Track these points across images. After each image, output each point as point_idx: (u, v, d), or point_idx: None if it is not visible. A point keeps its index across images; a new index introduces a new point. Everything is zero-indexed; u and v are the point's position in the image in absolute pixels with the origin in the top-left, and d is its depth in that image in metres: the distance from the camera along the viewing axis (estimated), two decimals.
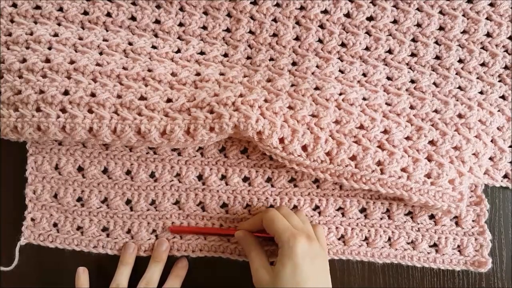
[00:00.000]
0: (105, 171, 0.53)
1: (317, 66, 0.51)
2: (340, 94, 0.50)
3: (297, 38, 0.52)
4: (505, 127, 0.51)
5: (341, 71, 0.51)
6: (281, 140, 0.47)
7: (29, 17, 0.51)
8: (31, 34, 0.50)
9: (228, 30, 0.52)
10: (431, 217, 0.53)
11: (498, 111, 0.51)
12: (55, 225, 0.53)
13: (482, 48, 0.51)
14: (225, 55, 0.52)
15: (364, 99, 0.50)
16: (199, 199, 0.53)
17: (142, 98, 0.48)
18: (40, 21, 0.51)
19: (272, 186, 0.53)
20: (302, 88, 0.49)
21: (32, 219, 0.53)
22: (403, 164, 0.47)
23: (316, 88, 0.50)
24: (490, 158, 0.52)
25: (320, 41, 0.52)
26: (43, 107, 0.47)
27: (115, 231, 0.53)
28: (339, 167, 0.47)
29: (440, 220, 0.52)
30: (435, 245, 0.52)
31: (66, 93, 0.48)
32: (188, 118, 0.47)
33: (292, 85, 0.50)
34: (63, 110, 0.47)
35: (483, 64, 0.51)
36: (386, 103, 0.50)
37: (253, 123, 0.46)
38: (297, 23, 0.52)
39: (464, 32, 0.51)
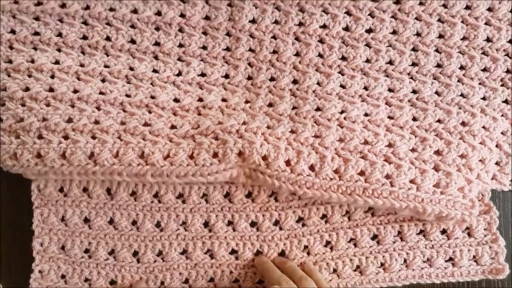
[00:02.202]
0: (111, 221, 0.57)
1: (318, 83, 0.56)
2: (342, 112, 0.55)
3: (297, 54, 0.57)
4: (509, 131, 0.56)
5: (343, 86, 0.56)
6: (288, 163, 0.52)
7: (28, 43, 0.55)
8: (32, 61, 0.54)
9: (228, 49, 0.57)
10: (443, 232, 0.57)
11: (502, 116, 0.56)
12: (63, 276, 0.58)
13: (483, 53, 0.56)
14: (226, 76, 0.57)
15: (366, 114, 0.55)
16: (206, 247, 0.57)
17: (146, 124, 0.54)
18: (40, 48, 0.55)
19: (281, 228, 0.57)
20: (303, 111, 0.55)
21: (40, 271, 0.57)
22: (411, 176, 0.52)
23: (318, 109, 0.55)
24: (496, 163, 0.56)
25: (320, 55, 0.57)
26: (45, 134, 0.52)
27: (123, 285, 0.57)
28: (350, 182, 0.52)
29: (452, 234, 0.57)
30: (451, 259, 0.57)
31: (69, 121, 0.53)
32: (193, 144, 0.52)
33: (294, 108, 0.55)
34: (66, 137, 0.52)
35: (484, 70, 0.56)
36: (389, 117, 0.55)
37: (257, 148, 0.51)
38: (297, 39, 0.57)
39: (464, 38, 0.56)
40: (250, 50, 0.57)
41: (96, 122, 0.53)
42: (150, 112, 0.54)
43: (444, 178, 0.53)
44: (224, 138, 0.52)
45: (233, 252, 0.58)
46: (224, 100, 0.56)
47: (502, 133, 0.56)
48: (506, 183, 0.56)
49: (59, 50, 0.56)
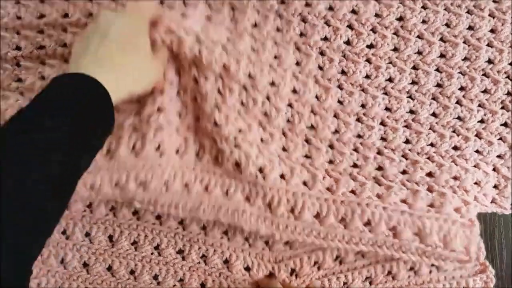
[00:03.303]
0: (109, 268, 0.59)
1: (316, 97, 0.59)
2: (335, 132, 0.58)
3: (297, 64, 0.59)
4: (507, 154, 0.58)
5: (340, 102, 0.59)
6: (283, 176, 0.55)
7: (35, 59, 0.58)
8: (43, 78, 0.57)
9: None
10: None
11: (500, 139, 0.58)
12: None
13: (484, 75, 0.58)
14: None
15: (359, 136, 0.58)
16: None
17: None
18: (47, 63, 0.59)
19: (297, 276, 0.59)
20: (297, 129, 0.58)
21: None
22: (402, 196, 0.55)
23: (311, 127, 0.58)
24: (495, 187, 0.58)
25: (320, 68, 0.59)
26: None
27: None
28: (341, 197, 0.55)
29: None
30: None
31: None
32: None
33: (288, 121, 0.58)
34: None
35: (485, 91, 0.58)
36: (382, 138, 0.58)
37: (254, 159, 0.54)
38: (297, 48, 0.59)
39: (465, 59, 0.58)
40: (252, 49, 0.58)
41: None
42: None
43: (439, 198, 0.55)
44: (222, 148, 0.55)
45: None
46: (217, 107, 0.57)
47: (499, 156, 0.58)
48: (507, 207, 0.58)
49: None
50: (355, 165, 0.57)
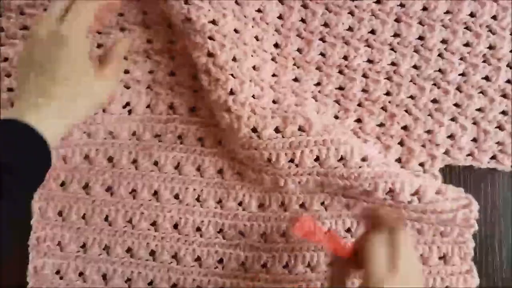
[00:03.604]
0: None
1: (298, 50, 0.60)
2: (318, 84, 0.60)
3: (280, 17, 0.60)
4: (487, 108, 0.59)
5: (322, 54, 0.60)
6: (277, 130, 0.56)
7: None
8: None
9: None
10: None
11: (480, 92, 0.59)
12: None
13: (466, 28, 0.59)
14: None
15: (340, 88, 0.60)
16: None
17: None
18: None
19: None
20: (282, 80, 0.59)
21: None
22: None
23: (295, 79, 0.60)
24: (474, 140, 0.60)
25: (302, 20, 0.60)
26: None
27: None
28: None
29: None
30: None
31: None
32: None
33: (274, 75, 0.60)
34: None
35: (466, 45, 0.59)
36: (363, 90, 0.59)
37: (245, 121, 0.55)
38: (281, 2, 0.60)
39: (447, 12, 0.59)
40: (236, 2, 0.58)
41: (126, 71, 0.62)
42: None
43: (406, 153, 0.58)
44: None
45: None
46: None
47: (480, 109, 0.59)
48: (484, 161, 0.60)
49: None
50: (336, 117, 0.59)
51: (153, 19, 0.60)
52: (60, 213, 0.61)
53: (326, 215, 0.59)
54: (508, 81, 0.59)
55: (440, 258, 0.59)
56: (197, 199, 0.60)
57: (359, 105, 0.59)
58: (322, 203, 0.60)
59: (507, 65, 0.59)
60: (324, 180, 0.56)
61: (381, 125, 0.59)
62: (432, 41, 0.59)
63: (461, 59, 0.59)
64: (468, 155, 0.60)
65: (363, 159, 0.55)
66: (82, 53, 0.49)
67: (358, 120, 0.59)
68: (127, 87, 0.61)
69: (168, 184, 0.60)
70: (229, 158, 0.60)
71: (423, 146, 0.59)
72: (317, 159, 0.56)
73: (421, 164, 0.59)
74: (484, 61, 0.59)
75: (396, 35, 0.59)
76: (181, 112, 0.61)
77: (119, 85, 0.60)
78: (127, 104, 0.61)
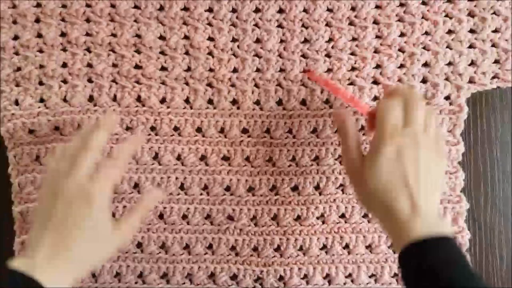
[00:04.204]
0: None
1: (305, 10, 0.61)
2: (329, 40, 0.61)
3: None
4: (502, 27, 0.60)
5: (330, 10, 0.61)
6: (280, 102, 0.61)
7: None
8: (14, 7, 0.61)
9: None
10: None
11: (493, 13, 0.60)
12: None
13: None
14: (210, 9, 0.61)
15: (353, 39, 0.61)
16: None
17: (137, 67, 0.61)
18: None
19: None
20: (291, 45, 0.61)
21: None
22: None
23: (305, 40, 0.61)
24: (496, 61, 0.61)
25: None
26: (45, 80, 0.61)
27: None
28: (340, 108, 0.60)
29: None
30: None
31: (64, 65, 0.61)
32: (187, 89, 0.61)
33: (281, 41, 0.61)
34: (64, 81, 0.61)
35: None
36: (377, 36, 0.61)
37: (250, 95, 0.60)
38: None
39: None
40: None
41: (89, 65, 0.61)
42: (138, 52, 0.61)
43: (431, 89, 0.60)
44: (218, 87, 0.60)
45: None
46: (211, 38, 0.61)
47: (495, 31, 0.60)
48: (509, 79, 0.61)
49: None
50: (353, 69, 0.60)
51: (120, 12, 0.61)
52: None
53: (320, 199, 0.61)
54: None
55: None
56: (181, 188, 0.61)
57: (376, 51, 0.61)
58: (316, 187, 0.61)
59: None
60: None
61: (401, 66, 0.60)
62: None
63: None
64: (493, 78, 0.61)
65: None
66: (105, 210, 0.48)
67: (377, 66, 0.61)
68: (90, 81, 0.62)
69: (148, 174, 0.61)
70: (213, 143, 0.61)
71: (447, 79, 0.60)
72: (314, 130, 0.60)
73: (447, 98, 0.60)
74: None
75: None
76: (150, 104, 0.61)
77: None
78: (91, 97, 0.61)
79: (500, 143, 0.63)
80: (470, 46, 0.60)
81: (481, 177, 0.62)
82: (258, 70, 0.61)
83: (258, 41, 0.61)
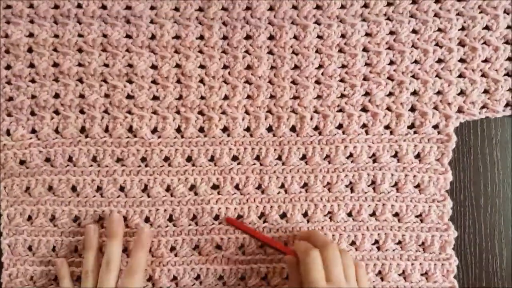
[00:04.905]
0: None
1: (295, 37, 0.63)
2: (319, 67, 0.62)
3: (271, 8, 0.63)
4: (493, 57, 0.62)
5: (320, 37, 0.63)
6: (270, 129, 0.62)
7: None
8: (6, 36, 0.63)
9: (200, 9, 0.63)
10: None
11: (483, 43, 0.62)
12: None
13: None
14: (201, 37, 0.63)
15: (343, 66, 0.62)
16: None
17: (129, 96, 0.63)
18: (12, 21, 0.62)
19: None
20: (281, 72, 0.62)
21: None
22: (386, 122, 0.62)
23: (295, 67, 0.63)
24: (486, 91, 0.62)
25: (294, 7, 0.62)
26: (37, 111, 0.62)
27: None
28: (329, 136, 0.62)
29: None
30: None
31: (56, 96, 0.63)
32: (179, 118, 0.62)
33: (272, 68, 0.63)
34: (56, 112, 0.63)
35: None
36: (366, 64, 0.62)
37: (240, 122, 0.61)
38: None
39: None
40: (223, 9, 0.63)
41: (82, 96, 0.63)
42: (130, 82, 0.63)
43: (419, 117, 0.62)
44: (209, 115, 0.62)
45: None
46: (202, 66, 0.63)
47: (485, 60, 0.62)
48: (499, 110, 0.62)
49: (32, 21, 0.63)
50: (342, 96, 0.62)
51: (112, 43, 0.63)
52: (30, 248, 0.63)
53: (308, 226, 0.62)
54: (508, 27, 0.61)
55: (422, 274, 0.62)
56: (169, 219, 0.63)
57: (365, 79, 0.62)
58: (305, 214, 0.63)
59: (504, 11, 0.61)
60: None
61: (390, 94, 0.62)
62: (427, 3, 0.61)
63: (457, 14, 0.62)
64: (482, 107, 0.62)
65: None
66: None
67: (366, 94, 0.62)
68: (82, 112, 0.63)
69: (136, 208, 0.62)
70: (203, 172, 0.62)
71: (435, 108, 0.62)
72: (303, 157, 0.62)
73: (435, 126, 0.62)
74: (481, 12, 0.62)
75: (389, 4, 0.62)
76: (141, 135, 0.63)
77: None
78: (83, 128, 0.63)
79: (500, 143, 0.64)
80: (460, 76, 0.62)
81: (481, 177, 0.63)
82: (248, 96, 0.63)
83: (249, 67, 0.63)
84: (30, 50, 0.63)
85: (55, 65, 0.63)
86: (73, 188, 0.63)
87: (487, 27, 0.62)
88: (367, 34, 0.62)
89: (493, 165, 0.64)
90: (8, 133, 0.62)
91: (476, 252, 0.63)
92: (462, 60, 0.62)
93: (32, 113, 0.63)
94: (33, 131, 0.63)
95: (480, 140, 0.63)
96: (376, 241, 0.62)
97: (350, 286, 0.54)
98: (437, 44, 0.62)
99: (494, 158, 0.64)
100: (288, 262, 0.58)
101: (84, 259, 0.60)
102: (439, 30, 0.62)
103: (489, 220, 0.63)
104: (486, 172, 0.63)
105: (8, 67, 0.63)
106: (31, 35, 0.63)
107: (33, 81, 0.63)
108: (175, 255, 0.63)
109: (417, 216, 0.62)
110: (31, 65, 0.63)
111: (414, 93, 0.62)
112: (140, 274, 0.58)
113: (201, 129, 0.63)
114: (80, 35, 0.63)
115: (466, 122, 0.63)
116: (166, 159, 0.63)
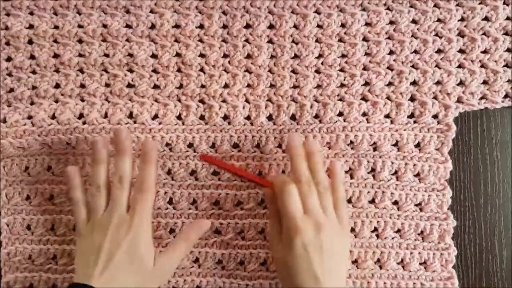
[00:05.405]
0: None
1: (295, 26, 0.64)
2: (319, 56, 0.63)
3: None
4: (492, 48, 0.63)
5: (320, 26, 0.64)
6: (270, 117, 0.63)
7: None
8: (7, 28, 0.64)
9: None
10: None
11: (483, 34, 0.63)
12: None
13: None
14: (201, 26, 0.64)
15: (343, 55, 0.63)
16: None
17: (130, 85, 0.64)
18: (12, 13, 0.64)
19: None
20: (281, 61, 0.63)
21: None
22: (386, 111, 0.63)
23: (295, 56, 0.64)
24: (485, 82, 0.63)
25: None
26: (37, 100, 0.63)
27: None
28: (329, 124, 0.63)
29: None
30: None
31: (57, 86, 0.64)
32: (180, 105, 0.63)
33: (272, 57, 0.64)
34: (56, 101, 0.64)
35: None
36: (366, 53, 0.63)
37: (240, 110, 0.62)
38: None
39: None
40: None
41: (82, 85, 0.64)
42: (131, 71, 0.64)
43: (419, 107, 0.63)
44: (210, 103, 0.63)
45: None
46: (202, 55, 0.64)
47: (484, 51, 0.63)
48: (498, 101, 0.63)
49: (31, 13, 0.64)
50: (342, 85, 0.63)
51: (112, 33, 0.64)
52: (28, 227, 0.65)
53: None
54: (507, 18, 0.63)
55: (421, 263, 0.63)
56: (169, 202, 0.64)
57: (365, 69, 0.63)
58: None
59: (504, 3, 0.62)
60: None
61: (389, 84, 0.63)
62: None
63: (457, 5, 0.63)
64: (481, 98, 0.63)
65: None
66: (145, 240, 0.54)
67: (366, 84, 0.63)
68: (83, 101, 0.64)
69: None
70: (202, 159, 0.63)
71: (435, 98, 0.63)
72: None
73: (435, 116, 0.63)
74: (480, 3, 0.63)
75: None
76: (142, 120, 0.64)
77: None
78: (81, 115, 0.64)
79: (500, 143, 0.64)
80: (459, 66, 0.63)
81: (481, 177, 0.64)
82: (249, 85, 0.64)
83: (249, 56, 0.64)
84: (30, 41, 0.64)
85: (56, 56, 0.64)
86: None
87: (486, 18, 0.63)
88: (367, 24, 0.63)
89: (493, 165, 0.64)
90: (4, 120, 0.63)
91: (476, 252, 0.64)
92: (461, 51, 0.63)
93: (32, 103, 0.64)
94: (29, 117, 0.63)
95: (480, 140, 0.64)
96: (375, 229, 0.63)
97: (327, 215, 0.55)
98: (436, 35, 0.63)
99: (494, 158, 0.64)
100: (266, 194, 0.60)
101: (93, 174, 0.56)
102: (439, 20, 0.63)
103: (489, 220, 0.64)
104: (486, 172, 0.64)
105: (8, 59, 0.64)
106: (31, 26, 0.64)
107: (34, 72, 0.64)
108: (174, 237, 0.64)
109: (416, 205, 0.63)
110: (32, 57, 0.64)
111: (414, 83, 0.63)
112: (151, 191, 0.55)
113: (202, 117, 0.64)
114: (80, 26, 0.64)
115: (466, 122, 0.64)
116: (167, 145, 0.64)
